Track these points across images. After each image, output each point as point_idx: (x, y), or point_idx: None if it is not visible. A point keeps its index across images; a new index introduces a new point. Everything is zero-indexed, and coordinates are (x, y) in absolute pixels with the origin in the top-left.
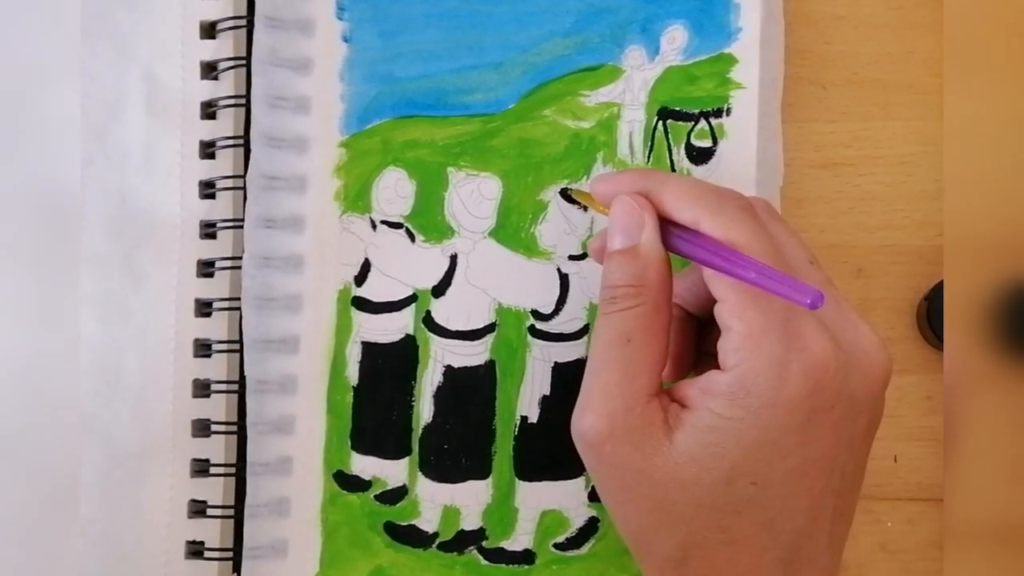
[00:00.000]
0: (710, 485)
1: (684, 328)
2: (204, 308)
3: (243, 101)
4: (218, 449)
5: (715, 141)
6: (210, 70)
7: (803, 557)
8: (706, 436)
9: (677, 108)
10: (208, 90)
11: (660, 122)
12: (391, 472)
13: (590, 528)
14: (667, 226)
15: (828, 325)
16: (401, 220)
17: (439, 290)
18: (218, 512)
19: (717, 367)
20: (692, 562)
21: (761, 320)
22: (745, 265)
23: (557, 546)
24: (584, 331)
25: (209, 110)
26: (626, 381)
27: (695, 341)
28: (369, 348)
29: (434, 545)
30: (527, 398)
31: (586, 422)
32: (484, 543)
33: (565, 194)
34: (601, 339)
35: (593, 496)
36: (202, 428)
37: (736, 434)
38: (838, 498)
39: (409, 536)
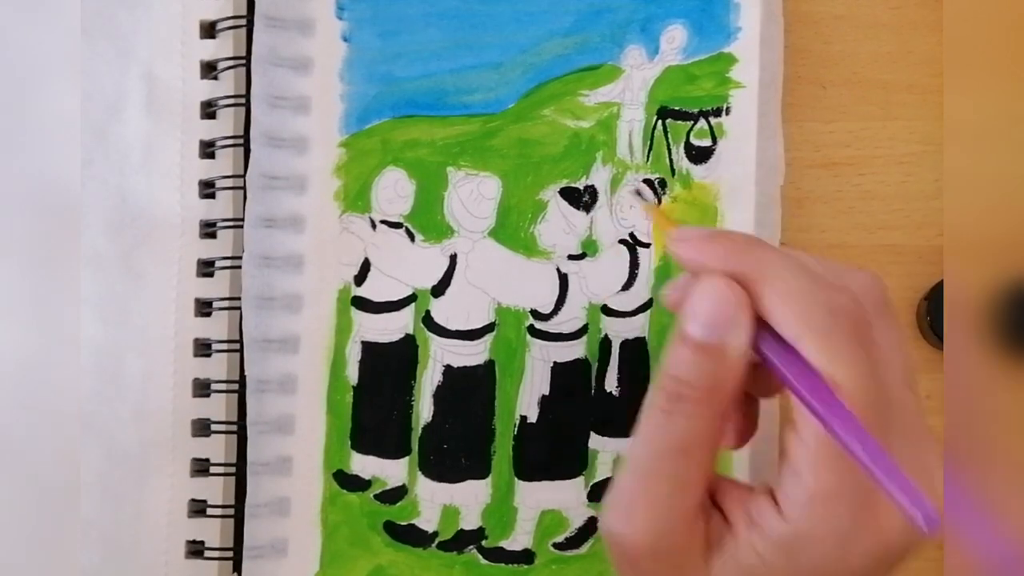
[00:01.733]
0: None
1: (747, 404)
2: (204, 308)
3: (243, 101)
4: (218, 448)
5: (714, 140)
6: (210, 70)
7: None
8: (743, 573)
9: (676, 107)
10: (208, 90)
11: (659, 121)
12: (391, 471)
13: (589, 528)
14: (759, 325)
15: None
16: (401, 220)
17: (439, 290)
18: (218, 511)
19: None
20: None
21: (835, 482)
22: (854, 433)
23: (556, 546)
24: (583, 331)
25: (209, 110)
26: (677, 495)
27: (756, 414)
28: (369, 348)
29: (434, 544)
30: (526, 398)
31: (627, 530)
32: (483, 542)
33: (636, 193)
34: (654, 442)
35: (592, 496)
36: (202, 428)
37: None
38: None
39: (409, 535)
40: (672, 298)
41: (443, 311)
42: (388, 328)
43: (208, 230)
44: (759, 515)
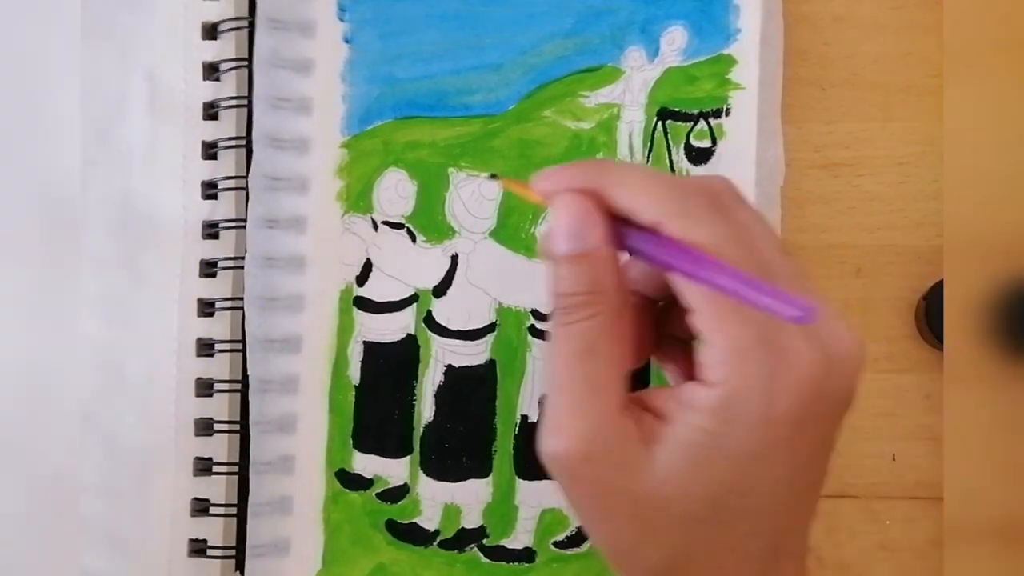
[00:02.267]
0: (695, 500)
1: (642, 312)
2: (207, 308)
3: (245, 102)
4: (221, 448)
5: (714, 141)
6: (212, 71)
7: (785, 552)
8: (691, 452)
9: (676, 109)
10: (210, 91)
11: (659, 123)
12: (392, 471)
13: None
14: (622, 226)
15: (809, 327)
16: (402, 220)
17: (440, 290)
18: (221, 511)
19: (680, 349)
20: (677, 573)
21: (743, 334)
22: (725, 273)
23: (557, 544)
24: None
25: (211, 111)
26: (595, 396)
27: (655, 324)
28: (371, 348)
29: (435, 543)
30: (527, 397)
31: (559, 444)
32: (485, 541)
33: (492, 176)
34: (562, 353)
35: None
36: (205, 427)
37: (723, 449)
38: (816, 489)
39: (410, 534)
40: (542, 245)
41: (444, 311)
42: (390, 328)
43: (210, 231)
44: (688, 396)
